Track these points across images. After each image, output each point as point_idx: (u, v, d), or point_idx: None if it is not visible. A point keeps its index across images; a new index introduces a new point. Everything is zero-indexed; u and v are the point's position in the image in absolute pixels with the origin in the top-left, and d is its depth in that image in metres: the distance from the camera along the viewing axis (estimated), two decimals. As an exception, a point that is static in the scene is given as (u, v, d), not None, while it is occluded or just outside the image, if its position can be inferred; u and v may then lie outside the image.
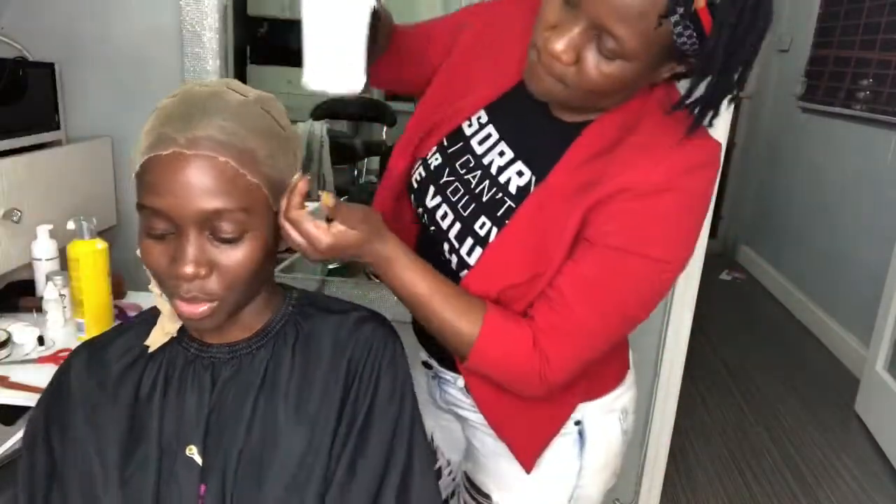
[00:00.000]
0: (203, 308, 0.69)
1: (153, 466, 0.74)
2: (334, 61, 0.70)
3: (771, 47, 4.21)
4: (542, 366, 0.80)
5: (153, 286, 0.76)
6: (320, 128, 2.46)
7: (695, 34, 0.68)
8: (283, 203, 0.72)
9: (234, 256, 0.69)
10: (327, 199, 0.74)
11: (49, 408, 0.79)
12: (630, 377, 1.03)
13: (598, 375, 0.96)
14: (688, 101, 0.75)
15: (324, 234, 0.73)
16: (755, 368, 3.03)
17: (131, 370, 0.78)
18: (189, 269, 0.66)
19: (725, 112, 1.69)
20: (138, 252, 0.71)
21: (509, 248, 0.83)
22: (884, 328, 2.45)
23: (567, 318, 0.79)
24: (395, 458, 0.77)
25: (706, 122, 0.77)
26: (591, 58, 0.71)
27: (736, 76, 0.72)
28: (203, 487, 0.74)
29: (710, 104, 0.75)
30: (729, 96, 0.75)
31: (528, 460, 0.95)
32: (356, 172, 2.97)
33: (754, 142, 4.38)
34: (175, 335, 0.78)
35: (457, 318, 0.81)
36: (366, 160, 2.93)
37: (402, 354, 0.81)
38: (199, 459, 0.74)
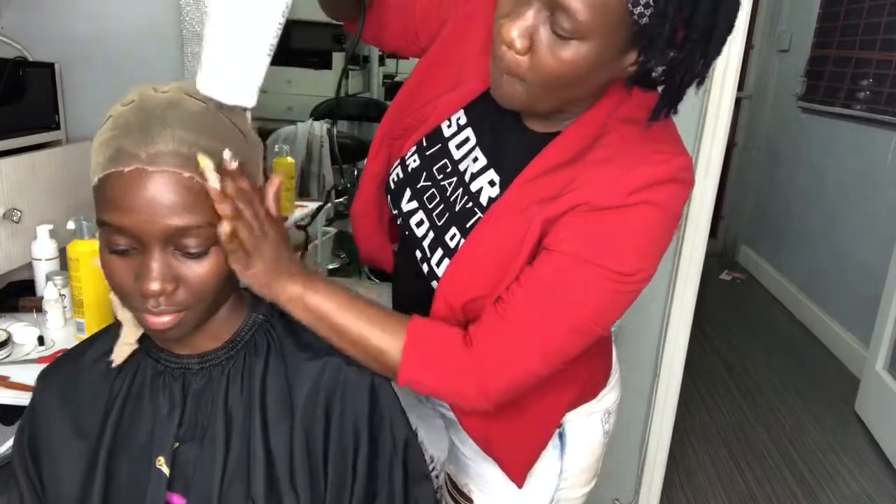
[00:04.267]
0: (169, 318, 0.67)
1: (122, 478, 0.73)
2: (231, 72, 0.67)
3: (771, 47, 4.22)
4: (481, 370, 0.76)
5: (114, 296, 0.74)
6: (320, 128, 2.45)
7: (650, 2, 0.64)
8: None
9: (201, 270, 0.67)
10: (276, 179, 0.72)
11: (28, 434, 0.79)
12: (614, 378, 1.02)
13: (587, 383, 0.95)
14: (647, 80, 0.71)
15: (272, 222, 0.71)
16: (755, 368, 3.03)
17: (101, 382, 0.77)
18: (155, 286, 0.64)
19: (725, 112, 1.68)
20: (96, 263, 0.69)
21: (471, 260, 0.81)
22: (884, 328, 2.45)
23: (511, 320, 0.75)
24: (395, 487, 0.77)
25: (667, 113, 0.74)
26: (546, 42, 0.68)
27: (694, 49, 0.68)
28: (181, 500, 0.73)
29: (671, 86, 0.71)
30: (695, 81, 0.71)
31: (519, 477, 0.94)
32: (356, 172, 2.97)
33: (754, 142, 4.38)
34: (138, 346, 0.76)
35: (380, 334, 0.76)
36: (366, 160, 2.94)
37: (381, 383, 0.78)
38: (166, 471, 0.73)
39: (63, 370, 0.80)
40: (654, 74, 0.71)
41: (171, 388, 0.75)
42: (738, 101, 2.97)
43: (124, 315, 0.76)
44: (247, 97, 0.68)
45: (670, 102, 0.73)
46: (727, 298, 3.92)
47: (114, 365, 0.76)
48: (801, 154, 3.76)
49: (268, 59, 0.69)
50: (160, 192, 0.63)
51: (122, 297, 0.70)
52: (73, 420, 0.76)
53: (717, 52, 0.69)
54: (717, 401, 2.74)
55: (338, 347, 0.77)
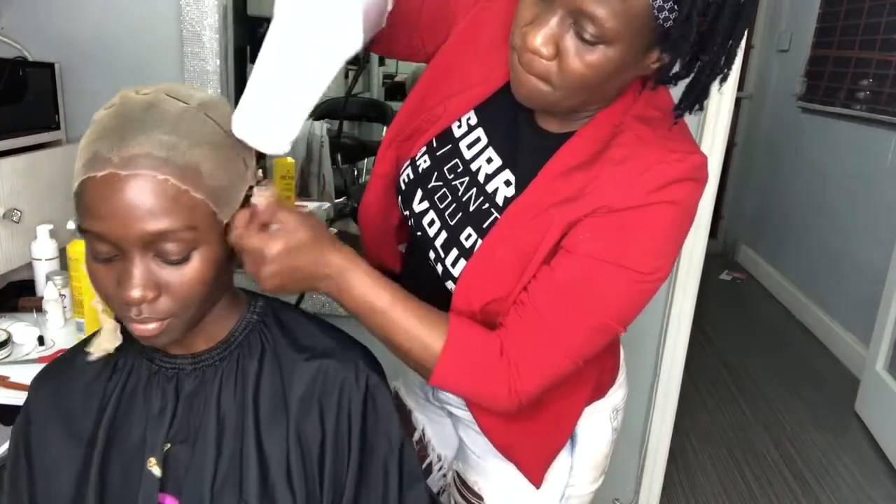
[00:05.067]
0: (154, 326, 0.66)
1: (116, 480, 0.73)
2: (274, 120, 0.67)
3: (771, 47, 4.22)
4: (512, 376, 0.77)
5: (97, 301, 0.73)
6: (320, 128, 2.45)
7: (674, 4, 0.65)
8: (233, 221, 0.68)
9: (184, 276, 0.65)
10: (260, 197, 0.68)
11: (23, 438, 0.78)
12: (622, 376, 1.02)
13: (599, 381, 0.96)
14: (668, 77, 0.73)
15: (267, 240, 0.68)
16: (755, 368, 3.03)
17: (95, 383, 0.77)
18: (136, 294, 0.63)
19: (725, 112, 1.68)
20: (84, 268, 0.69)
21: (490, 261, 0.81)
22: (884, 328, 2.45)
23: (536, 324, 0.76)
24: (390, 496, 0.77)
25: (691, 110, 0.76)
26: (572, 48, 0.69)
27: (720, 51, 0.69)
28: (173, 501, 0.73)
29: (695, 85, 0.73)
30: (719, 77, 0.73)
31: (537, 477, 0.94)
32: (356, 172, 2.97)
33: (754, 142, 4.38)
34: (112, 352, 0.76)
35: (420, 330, 0.76)
36: (366, 160, 2.94)
37: (377, 385, 0.77)
38: (157, 472, 0.72)
39: (57, 374, 0.79)
40: (674, 70, 0.73)
41: (164, 389, 0.75)
42: (738, 101, 2.98)
43: (106, 322, 0.75)
44: (281, 147, 0.69)
45: (697, 99, 0.75)
46: (727, 298, 3.92)
47: (88, 359, 0.75)
48: (801, 154, 3.76)
49: (307, 113, 0.69)
50: (134, 196, 0.61)
51: (108, 305, 0.69)
52: (67, 423, 0.76)
53: (738, 46, 0.71)
54: (717, 401, 2.74)
55: (374, 335, 0.78)
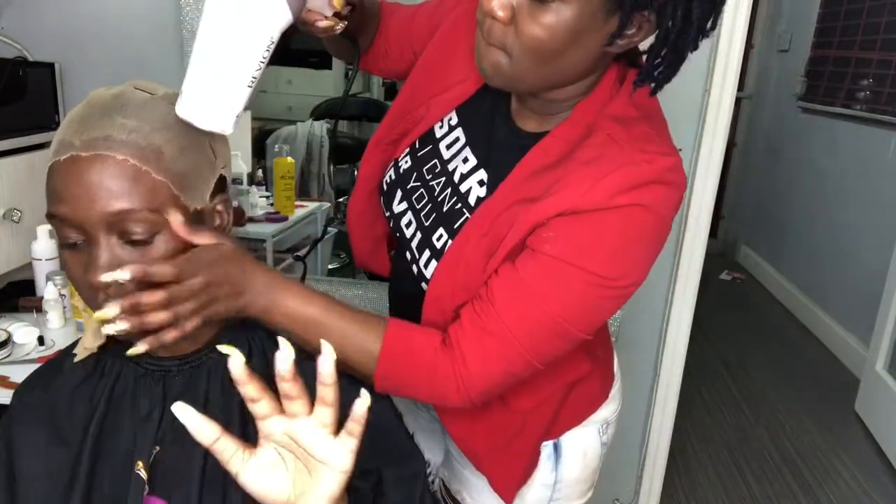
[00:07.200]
0: None
1: (105, 485, 0.72)
2: (209, 100, 0.67)
3: (771, 47, 4.22)
4: (458, 370, 0.74)
5: (77, 300, 0.73)
6: (320, 128, 2.46)
7: None
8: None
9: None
10: (174, 216, 0.65)
11: (5, 445, 0.77)
12: (614, 388, 1.00)
13: (582, 404, 0.94)
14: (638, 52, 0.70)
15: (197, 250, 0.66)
16: (755, 368, 3.03)
17: (83, 388, 0.76)
18: (101, 277, 0.63)
19: (725, 112, 1.68)
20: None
21: (459, 262, 0.79)
22: (884, 328, 2.45)
23: (491, 320, 0.74)
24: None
25: (660, 83, 0.72)
26: (527, 9, 0.67)
27: (679, 12, 0.66)
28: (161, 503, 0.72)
29: (658, 48, 0.69)
30: (683, 38, 0.68)
31: (508, 494, 0.93)
32: (356, 172, 2.97)
33: (754, 142, 4.38)
34: (96, 350, 0.75)
35: (357, 334, 0.74)
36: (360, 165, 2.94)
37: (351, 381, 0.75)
38: (144, 475, 0.71)
39: (43, 380, 0.78)
40: (640, 45, 0.70)
41: (151, 392, 0.74)
42: (738, 101, 2.98)
43: (91, 322, 0.75)
44: (223, 125, 0.69)
45: (663, 71, 0.71)
46: (727, 298, 3.92)
47: (76, 360, 0.75)
48: (801, 154, 3.76)
49: (248, 91, 0.70)
50: (95, 177, 0.63)
51: (80, 294, 0.69)
52: (54, 431, 0.75)
53: (706, 15, 0.67)
54: (717, 401, 2.74)
55: (311, 349, 0.74)
